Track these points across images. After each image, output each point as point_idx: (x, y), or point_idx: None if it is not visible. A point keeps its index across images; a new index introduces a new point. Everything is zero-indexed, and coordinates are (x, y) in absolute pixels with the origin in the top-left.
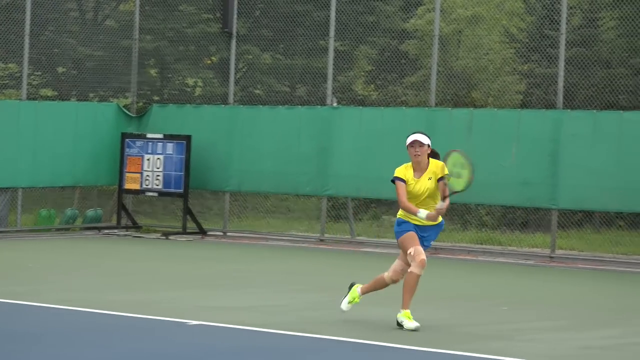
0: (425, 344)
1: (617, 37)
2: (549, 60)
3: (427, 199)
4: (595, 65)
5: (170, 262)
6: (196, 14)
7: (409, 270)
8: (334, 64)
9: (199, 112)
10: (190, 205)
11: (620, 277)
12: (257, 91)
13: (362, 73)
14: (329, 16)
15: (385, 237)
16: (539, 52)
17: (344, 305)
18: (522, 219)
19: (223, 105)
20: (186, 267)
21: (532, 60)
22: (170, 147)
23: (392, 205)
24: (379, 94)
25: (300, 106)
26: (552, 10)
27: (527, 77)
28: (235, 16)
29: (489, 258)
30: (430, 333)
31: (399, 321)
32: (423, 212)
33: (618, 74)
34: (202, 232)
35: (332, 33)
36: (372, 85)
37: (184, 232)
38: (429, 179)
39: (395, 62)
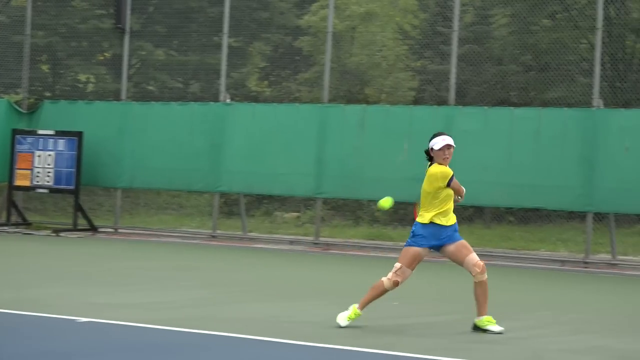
0: (315, 339)
1: (509, 34)
2: (441, 57)
3: (451, 198)
4: (486, 62)
5: (60, 259)
6: (89, 9)
7: (383, 278)
8: (227, 60)
9: (91, 108)
10: (81, 202)
11: (509, 272)
12: (150, 87)
13: (256, 69)
14: (223, 12)
15: (277, 233)
16: (432, 49)
17: (342, 321)
18: (413, 214)
19: (115, 102)
20: (76, 264)
21: (425, 57)
22: (61, 143)
23: (285, 201)
24: (272, 90)
25: (193, 102)
26: (445, 8)
27: (420, 73)
28: (128, 12)
29: (381, 254)
30: (320, 328)
31: (348, 309)
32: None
33: (509, 70)
34: (93, 228)
35: (226, 29)
36: (266, 82)
37: (75, 228)
38: None
39: (289, 58)
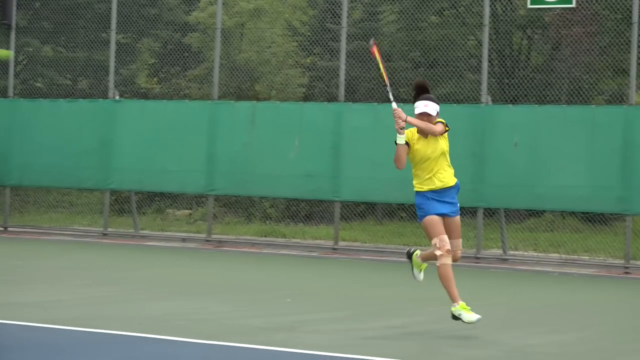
0: (207, 336)
1: (397, 31)
2: (330, 54)
3: (440, 159)
4: (375, 59)
5: None
6: None
7: (438, 263)
8: (116, 57)
9: None
10: None
11: (401, 268)
12: (38, 84)
13: (145, 66)
14: (110, 8)
15: (169, 230)
16: (321, 46)
17: (419, 276)
18: (305, 211)
19: (2, 99)
20: None
21: (315, 54)
22: None
23: (176, 198)
24: (162, 87)
25: (82, 99)
26: (334, 4)
27: (310, 70)
28: (14, 8)
29: (273, 250)
30: (212, 325)
31: (456, 314)
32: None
33: (398, 67)
34: None
35: (113, 25)
36: (155, 79)
37: None
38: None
39: (179, 55)
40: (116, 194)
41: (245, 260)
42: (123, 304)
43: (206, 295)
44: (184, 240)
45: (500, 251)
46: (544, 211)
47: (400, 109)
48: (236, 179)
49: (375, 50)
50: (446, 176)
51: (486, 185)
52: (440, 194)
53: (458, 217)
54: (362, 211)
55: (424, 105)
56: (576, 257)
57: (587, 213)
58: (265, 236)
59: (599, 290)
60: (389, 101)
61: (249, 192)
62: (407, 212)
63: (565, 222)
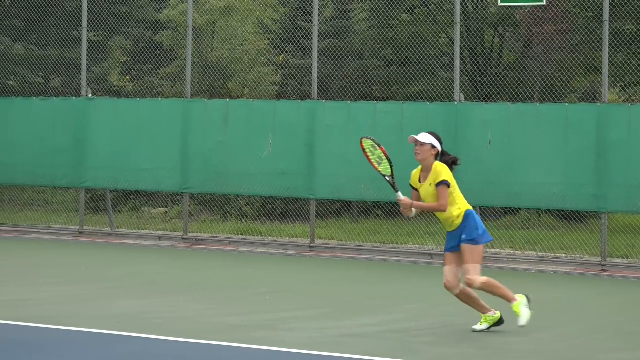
0: (185, 334)
1: (369, 29)
2: (303, 52)
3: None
4: (348, 57)
5: None
6: None
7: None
8: (88, 55)
9: None
10: None
11: (377, 266)
12: (11, 82)
13: (117, 64)
14: (81, 6)
15: (146, 228)
16: (293, 44)
17: (480, 327)
18: (281, 209)
19: None
20: None
21: (287, 52)
22: None
23: (152, 196)
24: (134, 85)
25: (55, 97)
26: (305, 2)
27: (282, 68)
28: None
29: (250, 249)
30: (190, 324)
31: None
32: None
33: (371, 65)
34: None
35: (84, 23)
36: (128, 77)
37: None
38: (430, 184)
39: (150, 53)
40: (91, 192)
41: (221, 259)
42: (99, 302)
43: (183, 294)
44: (160, 238)
45: None
46: (520, 209)
47: (404, 199)
48: (211, 177)
49: (363, 145)
50: (445, 223)
51: (460, 183)
52: (449, 234)
53: (463, 244)
54: (337, 209)
55: (413, 136)
56: (552, 254)
57: (563, 211)
58: (242, 234)
59: (576, 287)
60: (395, 191)
61: (223, 190)
62: (383, 209)
63: (541, 219)
